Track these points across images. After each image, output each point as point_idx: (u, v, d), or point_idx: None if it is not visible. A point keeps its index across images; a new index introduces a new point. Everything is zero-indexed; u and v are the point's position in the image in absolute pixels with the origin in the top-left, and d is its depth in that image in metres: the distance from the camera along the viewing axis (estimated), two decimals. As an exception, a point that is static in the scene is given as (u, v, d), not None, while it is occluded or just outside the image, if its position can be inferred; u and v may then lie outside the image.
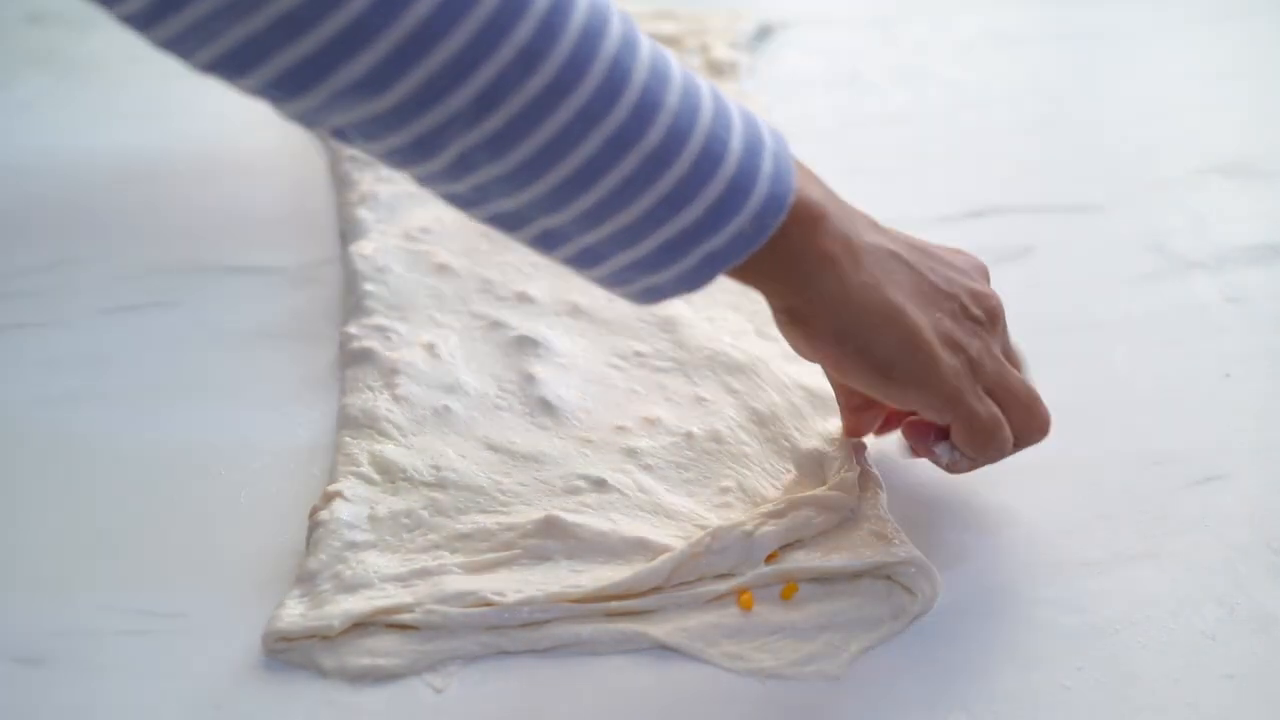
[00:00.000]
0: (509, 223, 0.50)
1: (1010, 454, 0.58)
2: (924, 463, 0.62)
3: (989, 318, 0.57)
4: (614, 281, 0.52)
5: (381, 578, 0.57)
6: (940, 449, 0.58)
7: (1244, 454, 0.64)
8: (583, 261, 0.51)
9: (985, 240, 0.79)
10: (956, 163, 0.89)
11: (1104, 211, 0.83)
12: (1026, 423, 0.57)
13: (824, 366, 0.58)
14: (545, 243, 0.51)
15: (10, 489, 0.64)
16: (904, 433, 0.60)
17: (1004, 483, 0.62)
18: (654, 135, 0.47)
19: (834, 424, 0.64)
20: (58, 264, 0.80)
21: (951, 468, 0.59)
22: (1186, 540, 0.59)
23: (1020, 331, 0.72)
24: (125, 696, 0.54)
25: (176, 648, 0.56)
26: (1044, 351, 0.70)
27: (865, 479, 0.60)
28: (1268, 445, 0.65)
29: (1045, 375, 0.69)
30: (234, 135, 0.94)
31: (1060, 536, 0.60)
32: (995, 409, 0.56)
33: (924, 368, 0.54)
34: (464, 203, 0.49)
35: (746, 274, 0.52)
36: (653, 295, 0.52)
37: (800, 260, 0.52)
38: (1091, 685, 0.53)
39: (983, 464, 0.58)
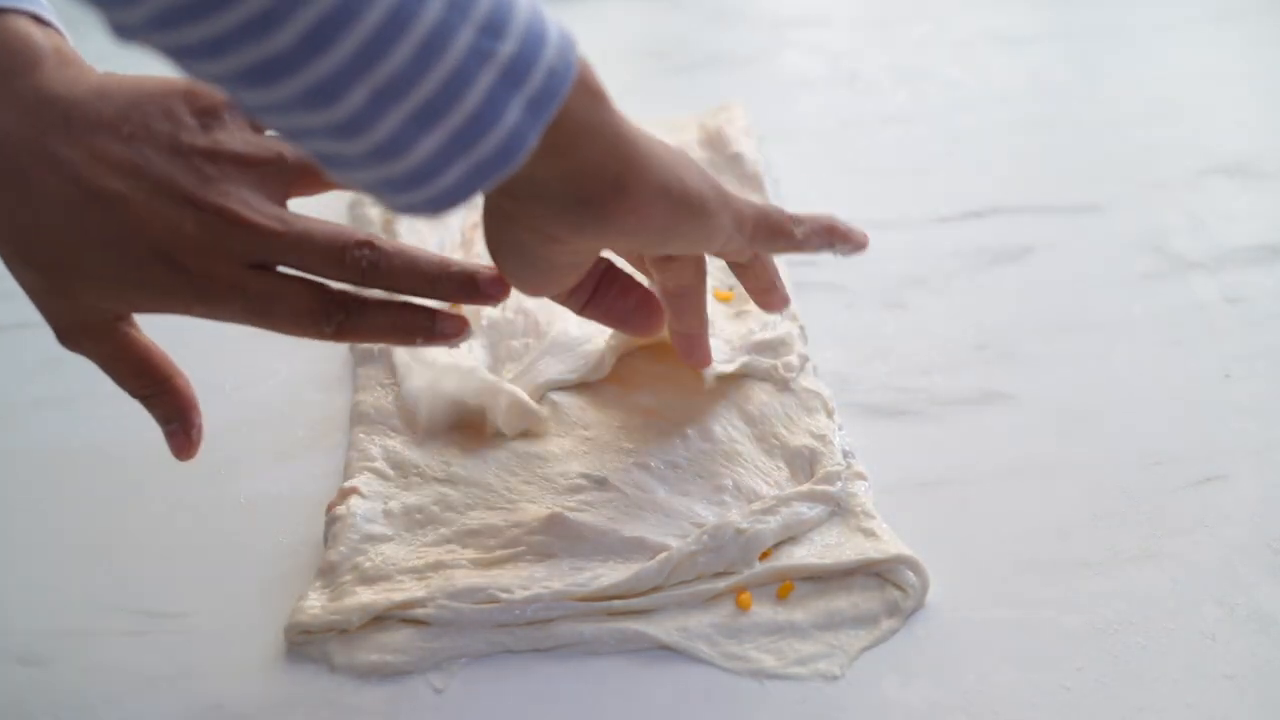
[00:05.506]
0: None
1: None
2: (921, 460, 0.62)
3: None
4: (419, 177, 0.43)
5: (399, 570, 0.57)
6: None
7: (1244, 454, 0.64)
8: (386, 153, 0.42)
9: (985, 240, 0.80)
10: (956, 163, 0.89)
11: (1104, 211, 0.83)
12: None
13: (635, 242, 0.52)
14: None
15: (11, 489, 0.64)
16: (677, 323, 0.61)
17: (1004, 483, 0.63)
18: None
19: (821, 421, 0.64)
20: (58, 264, 0.80)
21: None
22: (1186, 540, 0.59)
23: (1020, 331, 0.72)
24: (125, 696, 0.54)
25: (176, 647, 0.56)
26: (1044, 351, 0.71)
27: (852, 473, 0.61)
28: (1268, 445, 0.65)
29: (1045, 375, 0.69)
30: (234, 135, 0.94)
31: (1060, 536, 0.60)
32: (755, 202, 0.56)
33: (716, 188, 0.52)
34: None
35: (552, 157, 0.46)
36: (444, 198, 0.44)
37: (601, 129, 0.47)
38: (1091, 685, 0.53)
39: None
